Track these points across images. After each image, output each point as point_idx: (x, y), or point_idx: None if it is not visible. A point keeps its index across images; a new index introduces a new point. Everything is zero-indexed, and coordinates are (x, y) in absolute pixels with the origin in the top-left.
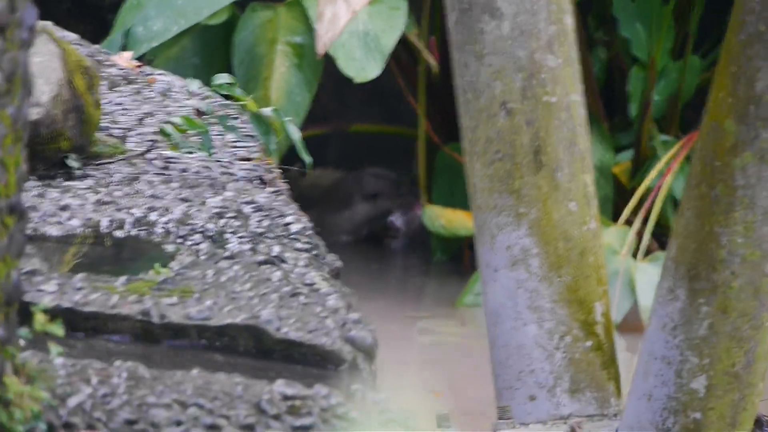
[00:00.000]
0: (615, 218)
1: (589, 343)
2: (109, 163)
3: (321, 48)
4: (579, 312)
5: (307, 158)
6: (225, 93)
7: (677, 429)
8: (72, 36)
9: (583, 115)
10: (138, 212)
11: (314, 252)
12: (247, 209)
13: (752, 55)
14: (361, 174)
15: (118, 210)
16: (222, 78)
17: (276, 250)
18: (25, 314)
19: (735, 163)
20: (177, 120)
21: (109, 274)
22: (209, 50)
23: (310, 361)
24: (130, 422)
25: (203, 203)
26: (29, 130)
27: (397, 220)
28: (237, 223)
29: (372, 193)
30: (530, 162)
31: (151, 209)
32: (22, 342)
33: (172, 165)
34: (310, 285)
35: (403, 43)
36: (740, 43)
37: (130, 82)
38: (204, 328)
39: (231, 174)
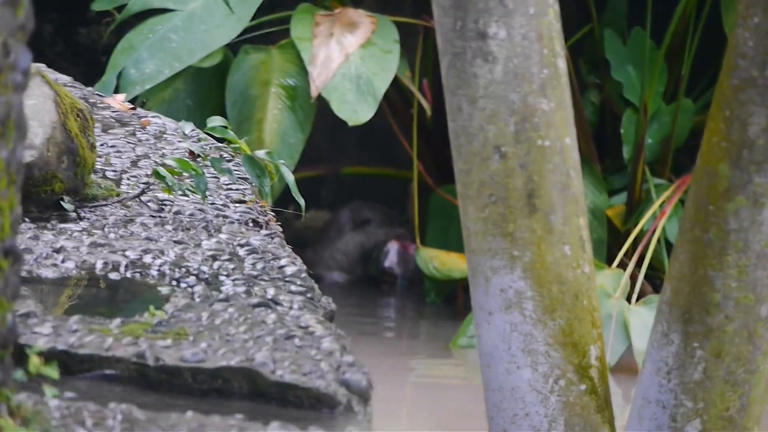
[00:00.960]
0: (609, 261)
1: (583, 387)
2: (104, 205)
3: (314, 91)
4: (573, 355)
5: (301, 201)
6: (219, 135)
7: None
8: (65, 78)
9: (576, 159)
10: (133, 255)
11: (309, 295)
12: (241, 252)
13: (745, 100)
14: (352, 204)
15: (113, 252)
16: (215, 121)
17: (271, 292)
18: (20, 356)
19: (728, 207)
20: (171, 162)
21: (104, 317)
22: (202, 92)
23: (305, 403)
24: None
25: (198, 246)
26: (23, 173)
27: (391, 260)
28: (231, 265)
29: (363, 219)
30: (524, 205)
31: (146, 251)
32: (17, 384)
33: (166, 207)
34: (305, 328)
35: (396, 85)
36: (733, 88)
37: (123, 124)
38: (198, 371)
39: (225, 216)
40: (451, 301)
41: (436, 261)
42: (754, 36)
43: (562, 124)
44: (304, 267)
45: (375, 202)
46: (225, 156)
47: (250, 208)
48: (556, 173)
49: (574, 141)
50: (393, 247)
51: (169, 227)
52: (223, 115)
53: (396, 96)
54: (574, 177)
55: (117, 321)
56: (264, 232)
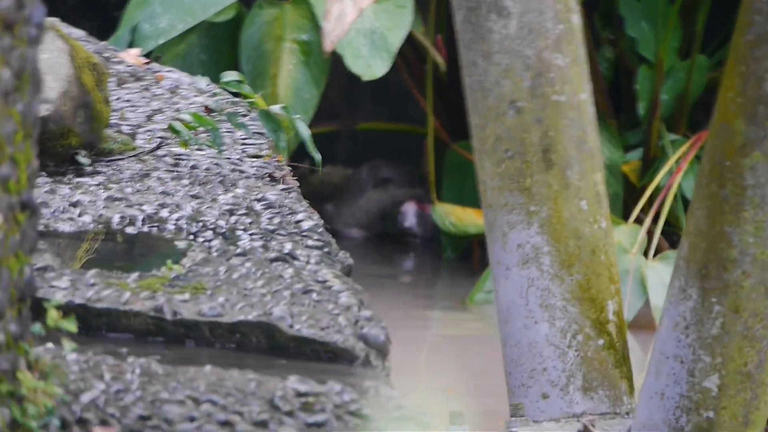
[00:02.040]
0: (625, 217)
1: (601, 342)
2: (119, 159)
3: (328, 45)
4: (591, 310)
5: (317, 155)
6: (234, 90)
7: (690, 428)
8: (79, 33)
9: (592, 114)
10: (149, 209)
11: (326, 249)
12: (258, 206)
13: (760, 56)
14: (373, 162)
15: (129, 206)
16: (230, 75)
17: (288, 247)
18: (38, 310)
19: (744, 162)
20: (186, 117)
21: (121, 271)
22: (216, 47)
23: (322, 358)
24: (144, 418)
25: (214, 200)
26: (39, 126)
27: (410, 221)
28: (248, 220)
29: (384, 178)
30: (540, 160)
31: (162, 206)
32: (35, 338)
33: (182, 162)
34: (322, 282)
35: (410, 41)
36: (748, 44)
37: (138, 79)
38: (216, 325)
39: (241, 171)
40: (468, 256)
41: (452, 217)
42: None
43: (577, 79)
44: (321, 222)
45: (391, 158)
46: (240, 111)
47: (266, 163)
48: (572, 128)
49: (589, 96)
50: (410, 208)
51: (185, 182)
52: (238, 70)
53: (410, 51)
54: (589, 132)
55: (134, 275)
56: (280, 186)
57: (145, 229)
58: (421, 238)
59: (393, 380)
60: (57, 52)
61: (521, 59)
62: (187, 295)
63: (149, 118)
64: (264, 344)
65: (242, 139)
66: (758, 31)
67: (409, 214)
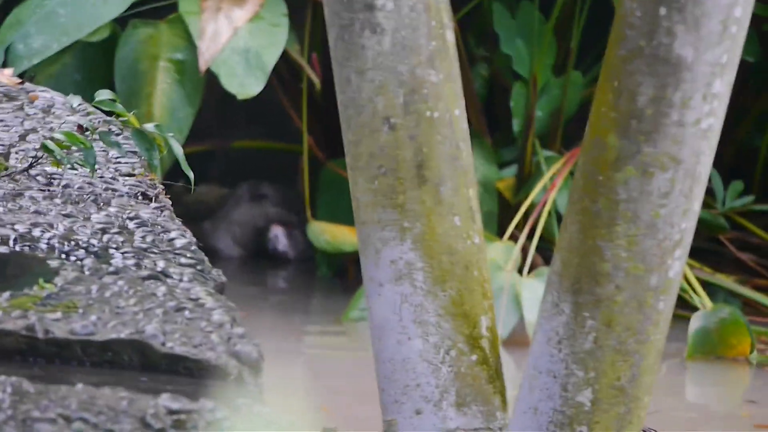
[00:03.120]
0: (500, 234)
1: (474, 357)
2: None
3: (203, 65)
4: (464, 326)
5: (191, 174)
6: (107, 109)
7: None
8: None
9: (465, 130)
10: (21, 228)
11: (198, 267)
12: (131, 225)
13: (633, 71)
14: (250, 181)
15: (2, 226)
16: (104, 94)
17: (161, 265)
18: None
19: (617, 177)
20: (59, 136)
21: None
22: (91, 67)
23: (195, 375)
24: None
25: (87, 219)
26: None
27: (281, 244)
28: (121, 238)
29: (259, 195)
30: (414, 177)
31: (35, 225)
32: None
33: (55, 181)
34: (195, 300)
35: (285, 59)
36: (621, 58)
37: (11, 98)
38: (88, 343)
39: (114, 190)
40: (343, 274)
41: (327, 234)
42: (641, 6)
43: (450, 96)
44: (194, 240)
45: (267, 177)
46: (114, 129)
47: (139, 182)
48: (446, 144)
49: (463, 113)
50: (278, 231)
51: (58, 201)
52: (112, 89)
53: (285, 70)
54: (463, 148)
55: (6, 294)
56: (153, 205)
57: (18, 248)
58: (294, 259)
59: (266, 397)
60: None
61: (395, 75)
62: (59, 314)
63: (22, 137)
64: (136, 362)
65: (115, 157)
66: (630, 46)
67: (279, 236)
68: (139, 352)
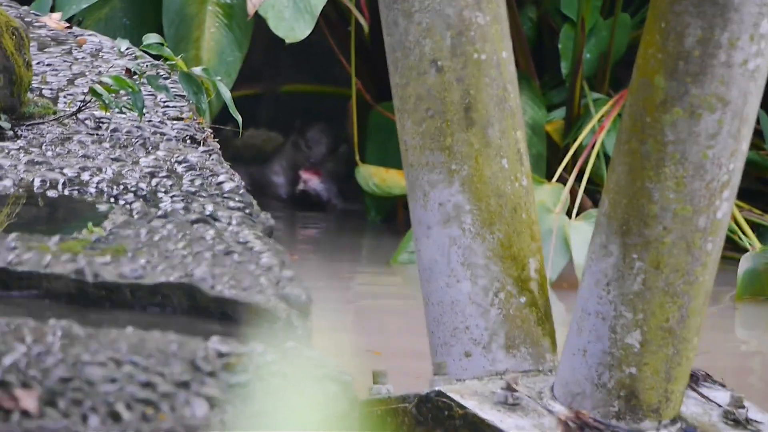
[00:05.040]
0: (548, 176)
1: (523, 300)
2: (41, 123)
3: (251, 8)
4: (512, 268)
5: (239, 117)
6: (155, 53)
7: (612, 384)
8: None
9: (512, 72)
10: (70, 172)
11: (247, 211)
12: (179, 168)
13: (680, 11)
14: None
15: (51, 170)
16: (151, 38)
17: (209, 208)
18: None
19: (665, 118)
20: (107, 80)
21: (42, 234)
22: (139, 11)
23: (244, 318)
24: (65, 380)
25: (135, 163)
26: None
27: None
28: (170, 182)
29: (307, 139)
30: (461, 119)
31: (84, 169)
32: None
33: (103, 125)
34: (244, 243)
35: (333, 3)
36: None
37: (59, 43)
38: (137, 287)
39: (162, 134)
40: (392, 218)
41: (376, 178)
42: None
43: (498, 37)
44: (243, 183)
45: (315, 120)
46: (161, 73)
47: (187, 125)
48: (493, 87)
49: (510, 55)
50: (310, 179)
51: (106, 145)
52: (160, 33)
53: (333, 13)
54: (511, 91)
55: (55, 238)
56: (202, 148)
57: (66, 192)
58: (336, 203)
59: (316, 341)
60: None
61: (442, 18)
62: (108, 258)
63: (71, 81)
64: (185, 305)
65: (163, 101)
66: None
67: (311, 182)
68: (188, 295)
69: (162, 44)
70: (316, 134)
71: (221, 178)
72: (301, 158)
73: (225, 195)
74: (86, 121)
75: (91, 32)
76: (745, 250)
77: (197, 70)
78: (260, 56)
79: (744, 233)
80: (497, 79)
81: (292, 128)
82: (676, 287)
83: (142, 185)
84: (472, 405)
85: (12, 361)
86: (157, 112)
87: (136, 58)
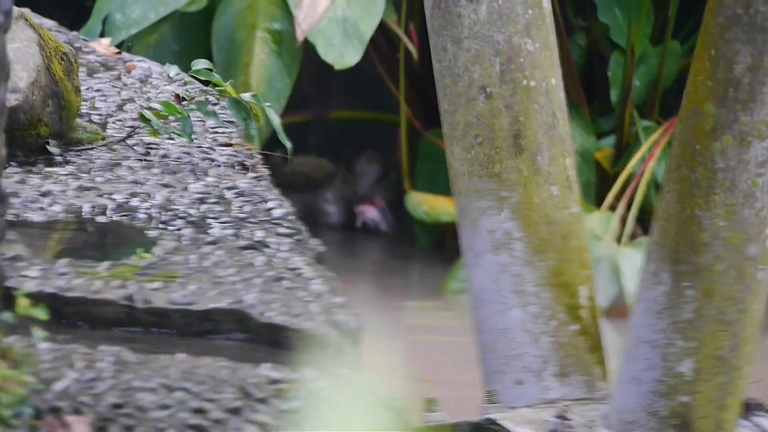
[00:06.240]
0: (598, 204)
1: (575, 327)
2: (90, 149)
3: (300, 35)
4: (563, 296)
5: (288, 144)
6: (204, 79)
7: (666, 412)
8: (50, 23)
9: (562, 99)
10: (120, 198)
11: (297, 237)
12: (229, 194)
13: (730, 38)
14: (344, 151)
15: (100, 196)
16: (201, 64)
17: (259, 235)
18: (8, 300)
19: (715, 146)
20: (156, 106)
21: (92, 260)
22: (188, 37)
23: (295, 345)
24: (117, 406)
25: (185, 189)
26: (7, 115)
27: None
28: (219, 208)
29: (355, 167)
30: (510, 146)
31: (133, 195)
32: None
33: (152, 151)
34: (294, 270)
35: (383, 29)
36: (718, 26)
37: (108, 68)
38: (188, 313)
39: (212, 159)
40: (442, 245)
41: (426, 205)
42: None
43: (547, 64)
44: (292, 209)
45: (364, 147)
46: (210, 99)
47: (236, 152)
48: (542, 114)
49: (559, 82)
50: (366, 209)
51: (155, 170)
52: (210, 59)
53: (382, 40)
54: (560, 117)
55: (105, 264)
56: (251, 174)
57: (116, 218)
58: (389, 232)
59: (367, 368)
60: (27, 42)
61: (491, 45)
62: (158, 284)
63: (120, 107)
64: (236, 332)
65: (213, 127)
66: (728, 14)
67: (368, 213)
68: (238, 321)
69: (211, 70)
70: (364, 164)
71: (271, 204)
72: (350, 188)
73: (275, 221)
74: (135, 147)
75: (140, 58)
76: None
77: (246, 96)
78: (309, 83)
79: None
80: (546, 106)
81: (341, 155)
82: (728, 315)
83: (192, 211)
84: None
85: (63, 387)
86: (206, 138)
87: (185, 83)
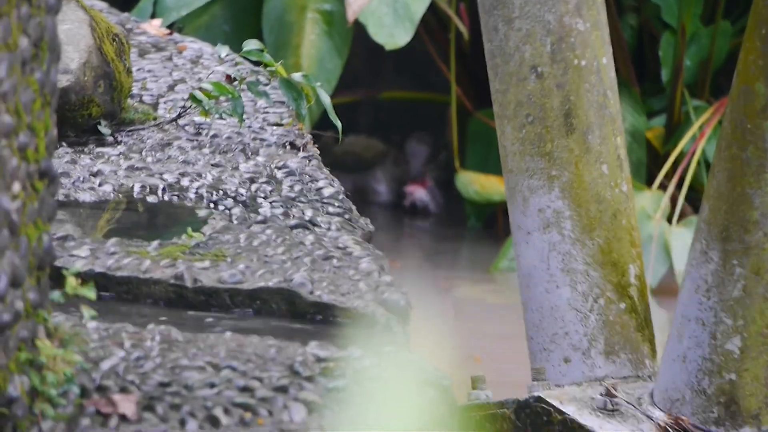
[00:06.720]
0: (649, 183)
1: (623, 305)
2: (141, 129)
3: (351, 15)
4: (612, 274)
5: (338, 124)
6: (255, 59)
7: (712, 390)
8: (101, 4)
9: (612, 79)
10: (170, 178)
11: (346, 216)
12: (279, 174)
13: None
14: (395, 131)
15: (150, 176)
16: (251, 44)
17: (308, 214)
18: (57, 279)
19: (765, 125)
20: (207, 86)
21: (141, 239)
22: (239, 18)
23: (343, 323)
24: (163, 385)
25: (235, 168)
26: (58, 96)
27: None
28: (269, 187)
29: (407, 146)
30: (561, 125)
31: (184, 175)
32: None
33: (203, 131)
34: (343, 248)
35: (433, 9)
36: None
37: (159, 49)
38: (237, 292)
39: (262, 139)
40: (492, 224)
41: (476, 184)
42: None
43: (598, 44)
44: (342, 189)
45: (414, 127)
46: (261, 79)
47: (287, 131)
48: (593, 93)
49: (610, 61)
50: (416, 190)
51: (206, 150)
52: (260, 40)
53: (433, 20)
54: (610, 97)
55: (155, 243)
56: (301, 154)
57: (166, 198)
58: (439, 212)
59: (415, 346)
60: (78, 23)
61: (542, 24)
62: (207, 263)
63: (171, 87)
64: (284, 310)
65: (263, 107)
66: None
67: (417, 194)
68: (286, 300)
69: (262, 50)
70: (414, 144)
71: (321, 183)
72: (401, 169)
73: (324, 200)
74: (186, 127)
75: (191, 39)
76: None
77: (297, 77)
78: (360, 63)
79: None
80: (597, 85)
81: (391, 135)
82: None
83: (242, 191)
84: (571, 411)
85: (110, 365)
86: (257, 118)
87: (236, 64)
